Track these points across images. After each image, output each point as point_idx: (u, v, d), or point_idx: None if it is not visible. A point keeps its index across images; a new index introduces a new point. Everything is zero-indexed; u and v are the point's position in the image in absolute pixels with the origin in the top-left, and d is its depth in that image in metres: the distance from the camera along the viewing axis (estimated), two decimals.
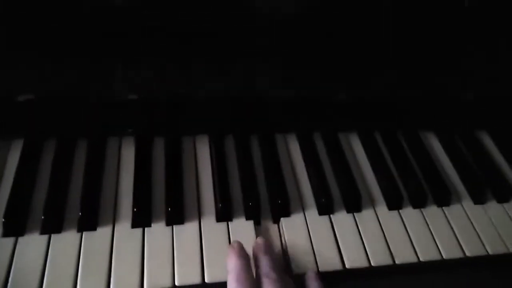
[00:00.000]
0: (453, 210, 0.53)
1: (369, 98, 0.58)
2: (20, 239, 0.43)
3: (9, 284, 0.39)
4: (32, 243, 0.43)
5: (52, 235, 0.43)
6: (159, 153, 0.53)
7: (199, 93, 0.52)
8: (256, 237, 0.46)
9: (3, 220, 0.43)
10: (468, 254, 0.48)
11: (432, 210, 0.52)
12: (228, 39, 0.52)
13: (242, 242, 0.44)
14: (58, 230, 0.44)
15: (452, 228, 0.51)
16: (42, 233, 0.44)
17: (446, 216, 0.52)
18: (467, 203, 0.54)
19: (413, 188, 0.53)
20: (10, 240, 0.42)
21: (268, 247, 0.44)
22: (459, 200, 0.54)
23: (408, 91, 0.58)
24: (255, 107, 0.56)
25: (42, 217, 0.44)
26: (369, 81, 0.57)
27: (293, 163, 0.55)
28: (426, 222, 0.51)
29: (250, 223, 0.47)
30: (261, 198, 0.49)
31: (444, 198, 0.53)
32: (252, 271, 0.41)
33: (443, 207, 0.53)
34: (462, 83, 0.59)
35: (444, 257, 0.48)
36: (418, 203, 0.52)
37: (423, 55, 0.58)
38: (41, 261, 0.41)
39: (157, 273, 0.42)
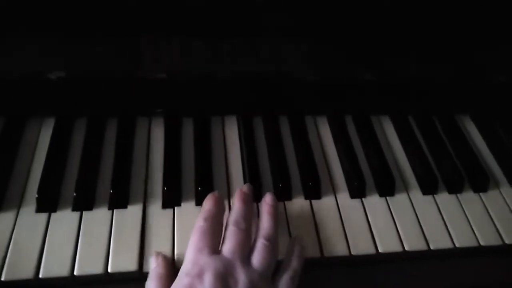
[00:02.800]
0: (491, 196, 0.51)
1: (399, 79, 0.56)
2: (53, 215, 0.43)
3: (43, 259, 0.40)
4: (64, 219, 0.43)
5: (84, 212, 0.44)
6: (188, 133, 0.53)
7: (227, 72, 0.51)
8: (286, 217, 0.45)
9: (37, 196, 0.43)
10: (507, 241, 0.46)
11: (468, 196, 0.50)
12: (255, 16, 0.51)
13: None
14: (90, 207, 0.44)
15: (489, 214, 0.49)
16: (74, 209, 0.44)
17: (483, 202, 0.50)
18: (506, 189, 0.52)
19: (449, 172, 0.51)
20: (43, 216, 0.43)
21: (249, 197, 0.43)
22: (497, 185, 0.52)
23: (437, 72, 0.56)
24: (283, 88, 0.55)
25: (74, 194, 0.44)
26: (398, 61, 0.55)
27: (323, 146, 0.54)
28: (462, 208, 0.49)
29: (280, 204, 0.46)
30: (292, 180, 0.48)
31: (481, 183, 0.51)
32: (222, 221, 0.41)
33: (480, 193, 0.51)
34: (495, 66, 0.57)
35: (481, 243, 0.46)
36: (454, 188, 0.50)
37: (453, 34, 0.55)
38: (73, 237, 0.42)
39: None
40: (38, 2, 0.47)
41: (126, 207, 0.44)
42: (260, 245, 0.39)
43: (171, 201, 0.45)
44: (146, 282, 0.39)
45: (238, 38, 0.50)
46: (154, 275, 0.39)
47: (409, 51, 0.55)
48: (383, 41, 0.54)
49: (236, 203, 0.42)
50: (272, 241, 0.40)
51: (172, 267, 0.40)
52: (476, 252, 0.47)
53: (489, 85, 0.58)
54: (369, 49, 0.53)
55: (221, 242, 0.40)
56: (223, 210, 0.42)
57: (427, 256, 0.46)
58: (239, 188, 0.45)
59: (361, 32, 0.52)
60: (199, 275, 0.35)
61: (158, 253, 0.41)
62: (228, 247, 0.38)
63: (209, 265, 0.36)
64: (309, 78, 0.53)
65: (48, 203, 0.43)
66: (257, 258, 0.38)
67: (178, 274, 0.37)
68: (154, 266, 0.40)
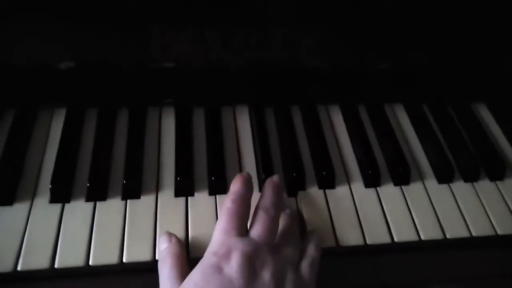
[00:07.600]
0: (507, 185, 0.50)
1: (413, 67, 0.55)
2: (67, 206, 0.43)
3: (58, 249, 0.40)
4: (78, 210, 0.43)
5: (97, 203, 0.43)
6: (199, 124, 0.52)
7: (237, 61, 0.50)
8: (301, 207, 0.45)
9: (50, 186, 0.43)
10: None
11: (484, 184, 0.50)
12: (268, 3, 0.50)
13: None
14: (103, 197, 0.44)
15: (506, 203, 0.48)
16: (87, 200, 0.44)
17: (499, 191, 0.49)
18: None
19: (464, 161, 0.50)
20: (57, 207, 0.43)
21: (280, 188, 0.43)
22: None
23: (451, 60, 0.55)
24: (296, 77, 0.54)
25: (88, 185, 0.44)
26: (412, 48, 0.54)
27: (336, 135, 0.53)
28: (478, 197, 0.48)
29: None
30: (305, 169, 0.48)
31: (497, 171, 0.50)
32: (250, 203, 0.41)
33: (496, 181, 0.50)
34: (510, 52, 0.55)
35: (498, 232, 0.45)
36: (470, 177, 0.50)
37: (468, 20, 0.54)
38: (87, 227, 0.42)
39: (202, 242, 0.41)
40: None
41: (139, 198, 0.44)
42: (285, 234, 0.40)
43: (184, 191, 0.45)
44: (159, 263, 0.39)
45: (250, 25, 0.49)
46: (168, 255, 0.38)
47: (423, 38, 0.54)
48: (396, 29, 0.52)
49: (267, 190, 0.42)
50: (295, 234, 0.41)
51: (185, 248, 0.40)
52: (492, 242, 0.46)
53: (505, 72, 0.57)
54: (383, 36, 0.52)
55: (248, 224, 0.40)
56: (252, 191, 0.42)
57: (443, 246, 0.45)
58: (272, 177, 0.44)
59: (375, 19, 0.51)
60: (227, 255, 0.35)
61: (170, 233, 0.41)
62: (256, 231, 0.38)
63: (237, 245, 0.36)
64: (321, 66, 0.52)
65: (61, 194, 0.43)
66: (281, 243, 0.39)
67: (205, 254, 0.37)
68: (165, 246, 0.39)
